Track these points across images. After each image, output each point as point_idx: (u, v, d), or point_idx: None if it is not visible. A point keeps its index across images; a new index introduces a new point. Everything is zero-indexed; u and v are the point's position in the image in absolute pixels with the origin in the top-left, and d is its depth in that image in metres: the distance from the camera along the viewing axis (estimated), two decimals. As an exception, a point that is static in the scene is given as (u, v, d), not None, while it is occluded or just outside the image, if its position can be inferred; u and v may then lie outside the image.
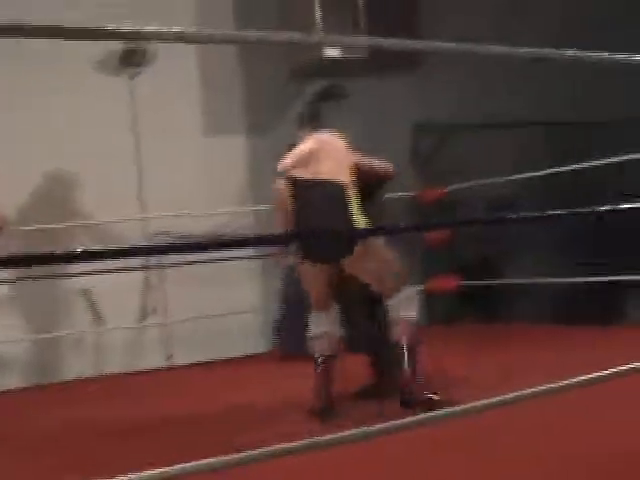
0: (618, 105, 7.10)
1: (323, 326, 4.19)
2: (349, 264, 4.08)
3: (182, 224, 6.37)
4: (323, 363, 4.13)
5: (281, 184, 4.12)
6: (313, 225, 4.00)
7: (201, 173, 6.93)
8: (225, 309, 6.61)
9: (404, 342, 4.01)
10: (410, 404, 3.94)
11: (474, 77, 7.30)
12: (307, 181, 4.10)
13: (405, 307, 4.05)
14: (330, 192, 4.07)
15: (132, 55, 6.48)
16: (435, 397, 3.93)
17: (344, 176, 4.11)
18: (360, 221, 4.00)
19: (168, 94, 6.72)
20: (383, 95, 7.27)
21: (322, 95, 4.65)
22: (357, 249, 3.98)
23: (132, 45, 6.40)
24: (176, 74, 6.76)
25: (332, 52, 6.42)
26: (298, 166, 4.13)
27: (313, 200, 4.07)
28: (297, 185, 4.12)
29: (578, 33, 5.83)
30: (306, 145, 4.20)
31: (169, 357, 6.77)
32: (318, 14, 6.49)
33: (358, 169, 4.22)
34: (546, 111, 7.70)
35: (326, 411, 4.04)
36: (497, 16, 7.47)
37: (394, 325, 4.07)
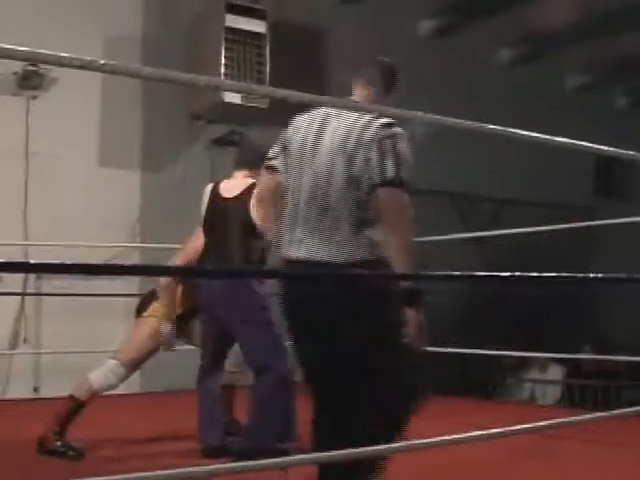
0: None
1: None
2: None
3: (68, 254, 6.17)
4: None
5: None
6: None
7: (92, 203, 6.78)
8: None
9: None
10: None
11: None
12: None
13: (98, 371, 4.22)
14: None
15: (31, 77, 6.37)
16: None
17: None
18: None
19: (66, 120, 6.62)
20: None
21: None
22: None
23: (31, 67, 6.31)
24: (76, 101, 6.66)
25: (232, 98, 6.37)
26: None
27: None
28: None
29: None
30: None
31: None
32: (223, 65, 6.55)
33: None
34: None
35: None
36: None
37: None
